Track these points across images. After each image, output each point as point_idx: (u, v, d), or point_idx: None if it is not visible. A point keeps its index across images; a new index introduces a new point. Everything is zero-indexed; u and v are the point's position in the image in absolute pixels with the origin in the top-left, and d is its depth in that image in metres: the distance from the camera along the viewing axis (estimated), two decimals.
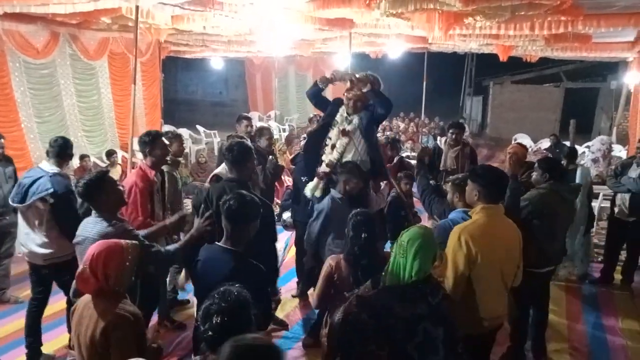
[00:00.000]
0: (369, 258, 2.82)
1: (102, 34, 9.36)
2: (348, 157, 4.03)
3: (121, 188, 3.10)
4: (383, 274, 2.32)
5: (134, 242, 2.39)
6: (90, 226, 2.84)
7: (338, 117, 4.17)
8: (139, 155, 10.33)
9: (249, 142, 3.87)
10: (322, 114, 6.75)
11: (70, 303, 3.32)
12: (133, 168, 7.85)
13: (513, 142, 14.60)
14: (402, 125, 16.07)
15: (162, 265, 3.10)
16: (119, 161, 8.69)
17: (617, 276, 5.45)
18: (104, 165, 8.67)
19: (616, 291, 5.30)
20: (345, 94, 4.15)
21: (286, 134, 14.69)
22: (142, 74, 11.25)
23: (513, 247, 2.79)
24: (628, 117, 9.92)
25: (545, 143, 12.21)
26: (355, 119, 4.10)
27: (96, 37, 9.42)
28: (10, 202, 3.75)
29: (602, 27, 5.74)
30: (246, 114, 5.69)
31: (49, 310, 3.98)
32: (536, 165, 3.92)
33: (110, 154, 8.47)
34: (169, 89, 17.83)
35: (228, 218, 2.53)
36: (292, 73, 19.18)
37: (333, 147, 4.10)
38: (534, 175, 3.90)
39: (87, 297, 2.26)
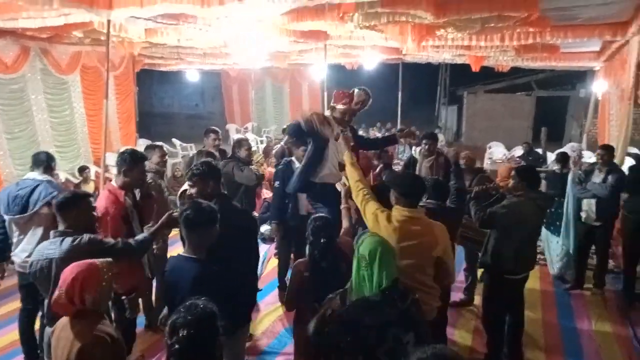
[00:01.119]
0: (327, 261, 2.97)
1: (74, 48, 9.22)
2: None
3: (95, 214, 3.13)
4: (347, 288, 2.38)
5: (107, 260, 2.37)
6: (52, 246, 2.78)
7: (328, 132, 4.18)
8: (114, 171, 10.14)
9: (213, 160, 3.96)
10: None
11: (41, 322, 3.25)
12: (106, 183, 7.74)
13: (487, 149, 14.88)
14: (379, 136, 16.22)
15: (133, 254, 3.15)
16: (92, 177, 8.53)
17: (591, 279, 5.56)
18: (76, 181, 8.49)
19: (589, 295, 5.41)
20: (337, 106, 4.18)
21: (264, 145, 14.66)
22: (115, 88, 11.11)
23: (423, 245, 2.90)
24: (597, 124, 10.22)
25: (519, 151, 12.44)
26: (348, 132, 4.24)
27: (68, 51, 9.28)
28: (5, 215, 3.75)
29: (569, 37, 5.92)
30: (214, 127, 5.63)
31: None
32: (514, 173, 4.00)
33: (82, 169, 8.31)
34: (144, 102, 17.62)
35: (186, 226, 2.61)
36: (268, 84, 19.20)
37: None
38: (511, 182, 3.98)
39: (64, 319, 2.23)
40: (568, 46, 7.68)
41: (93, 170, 8.90)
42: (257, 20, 5.85)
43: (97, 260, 2.31)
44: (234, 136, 17.46)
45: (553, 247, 5.82)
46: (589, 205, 5.30)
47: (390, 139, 4.97)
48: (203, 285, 2.41)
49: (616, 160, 6.68)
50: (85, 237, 2.82)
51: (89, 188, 7.86)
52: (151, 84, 21.35)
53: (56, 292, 2.20)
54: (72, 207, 2.90)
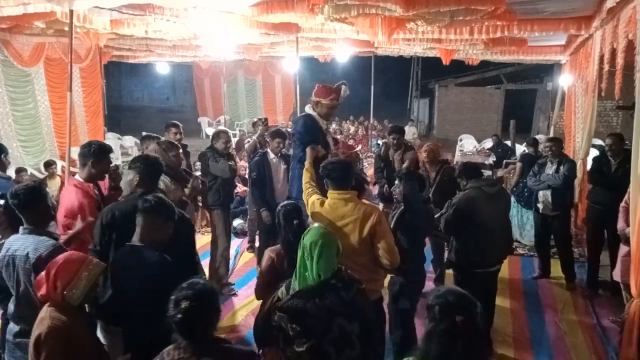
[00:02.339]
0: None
1: (36, 39, 8.91)
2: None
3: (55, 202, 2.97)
4: (293, 278, 2.44)
5: (97, 261, 2.39)
6: (18, 242, 2.68)
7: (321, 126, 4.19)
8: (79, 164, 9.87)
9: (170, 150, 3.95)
10: (261, 117, 6.86)
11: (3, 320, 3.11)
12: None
13: (459, 142, 15.11)
14: (352, 129, 16.25)
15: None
16: (59, 172, 8.29)
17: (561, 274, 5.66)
18: (41, 176, 8.24)
19: (555, 284, 5.56)
20: (323, 101, 4.14)
21: (236, 139, 14.53)
22: (82, 81, 10.82)
23: (354, 225, 3.06)
24: (563, 116, 10.46)
25: (488, 143, 12.67)
26: (330, 128, 4.25)
27: (30, 42, 8.96)
28: None
29: (536, 31, 6.01)
30: (174, 121, 5.48)
31: None
32: (457, 174, 4.13)
33: (48, 164, 8.05)
34: (113, 96, 17.24)
35: (139, 211, 2.60)
36: (241, 77, 19.01)
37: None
38: (461, 183, 4.08)
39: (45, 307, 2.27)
40: (535, 40, 7.80)
41: (59, 165, 8.65)
42: (226, 12, 5.75)
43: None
44: (207, 129, 17.29)
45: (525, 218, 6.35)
46: (544, 196, 5.45)
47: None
48: (147, 273, 2.42)
49: (581, 152, 6.90)
50: (58, 243, 2.73)
51: (55, 183, 7.64)
52: (120, 77, 20.88)
53: (43, 272, 2.27)
54: (35, 202, 2.75)
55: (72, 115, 8.90)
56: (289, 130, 7.94)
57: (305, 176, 3.54)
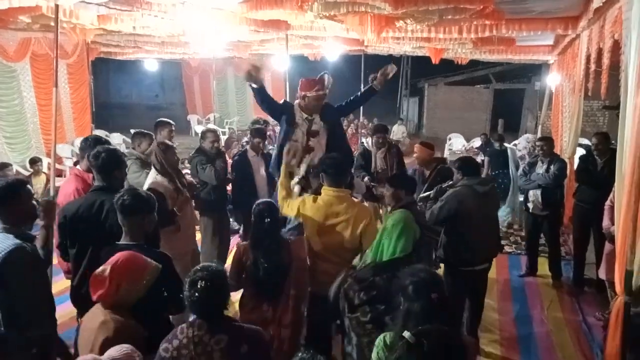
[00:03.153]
0: (270, 244, 3.10)
1: (22, 34, 8.80)
2: (315, 159, 4.03)
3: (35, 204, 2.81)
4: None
5: (157, 264, 2.38)
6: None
7: (298, 120, 4.17)
8: (68, 162, 9.80)
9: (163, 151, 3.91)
10: (264, 117, 6.77)
11: None
12: (58, 176, 7.45)
13: (448, 141, 15.17)
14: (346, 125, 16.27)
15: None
16: (45, 169, 8.19)
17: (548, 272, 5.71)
18: (27, 174, 8.13)
19: (541, 282, 5.61)
20: (309, 94, 4.11)
21: (226, 137, 14.45)
22: (68, 77, 10.69)
23: (347, 223, 3.13)
24: (551, 116, 10.55)
25: (477, 142, 12.75)
26: (317, 119, 4.17)
27: (16, 37, 8.84)
28: None
29: (524, 30, 6.05)
30: (166, 120, 5.38)
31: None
32: (454, 166, 4.11)
33: (34, 161, 7.95)
34: (101, 93, 17.04)
35: (122, 212, 2.59)
36: (230, 75, 18.91)
37: (305, 150, 4.10)
38: (455, 176, 4.06)
39: (94, 308, 2.26)
40: (523, 39, 7.86)
41: (45, 162, 8.54)
42: (215, 8, 5.71)
43: (150, 260, 2.37)
44: (196, 127, 17.19)
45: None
46: (535, 196, 5.47)
47: (369, 90, 4.60)
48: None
49: (567, 151, 6.96)
50: (28, 248, 2.53)
51: (41, 180, 7.55)
52: (108, 74, 20.67)
53: (100, 268, 2.24)
54: (12, 199, 2.56)
55: (59, 112, 8.82)
56: (277, 128, 7.90)
57: (280, 192, 3.46)
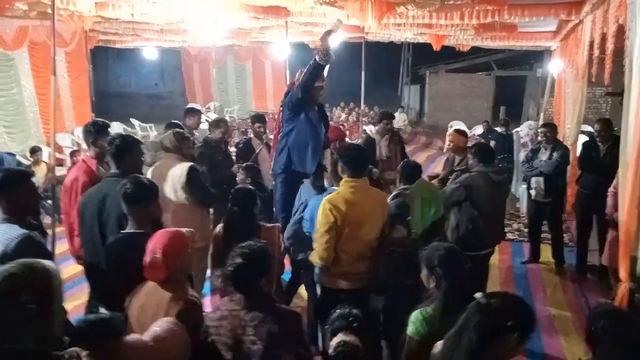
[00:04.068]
0: (242, 226, 3.17)
1: (19, 22, 8.69)
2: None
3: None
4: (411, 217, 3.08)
5: (189, 230, 2.45)
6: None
7: (311, 113, 4.16)
8: (67, 151, 9.77)
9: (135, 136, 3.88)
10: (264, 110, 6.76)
11: None
12: (59, 165, 7.42)
13: (449, 129, 15.08)
14: (343, 116, 16.18)
15: None
16: (45, 158, 8.15)
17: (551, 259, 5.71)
18: (27, 163, 8.11)
19: (544, 268, 5.61)
20: (319, 84, 4.09)
21: None
22: (67, 65, 10.62)
23: (374, 212, 3.13)
24: (553, 103, 10.49)
25: (479, 129, 12.69)
26: (315, 107, 4.24)
27: (13, 25, 8.74)
28: None
29: (526, 16, 5.99)
30: (197, 107, 5.53)
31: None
32: (469, 151, 4.08)
33: (34, 151, 7.91)
34: (99, 81, 16.89)
35: (126, 201, 2.59)
36: (230, 63, 18.78)
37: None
38: (469, 161, 4.05)
39: (147, 287, 2.30)
40: (525, 25, 7.78)
41: (46, 151, 8.51)
42: None
43: (184, 229, 2.42)
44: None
45: None
46: (537, 183, 5.45)
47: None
48: None
49: (570, 138, 6.93)
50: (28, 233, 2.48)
51: (41, 170, 7.51)
52: (107, 62, 20.51)
53: (148, 258, 2.26)
54: (10, 188, 2.53)
55: (58, 101, 8.75)
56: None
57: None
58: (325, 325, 2.11)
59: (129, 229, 2.63)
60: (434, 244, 2.38)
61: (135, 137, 3.49)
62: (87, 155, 3.67)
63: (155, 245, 2.27)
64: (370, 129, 5.71)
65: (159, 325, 2.02)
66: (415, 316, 2.22)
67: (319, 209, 3.06)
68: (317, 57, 3.94)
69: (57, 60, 5.97)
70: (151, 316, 2.21)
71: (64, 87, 10.83)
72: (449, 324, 1.95)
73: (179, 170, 3.66)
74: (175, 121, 5.09)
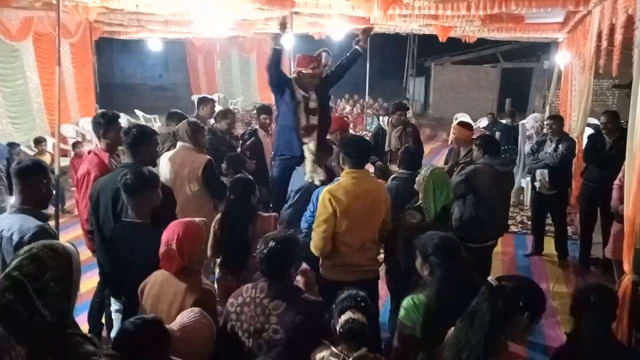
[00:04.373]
0: (238, 214, 3.21)
1: (24, 13, 8.71)
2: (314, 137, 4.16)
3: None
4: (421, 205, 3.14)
5: (203, 219, 2.50)
6: (8, 221, 2.51)
7: (297, 96, 4.20)
8: (71, 142, 9.79)
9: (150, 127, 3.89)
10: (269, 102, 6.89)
11: None
12: (63, 156, 7.45)
13: (454, 121, 15.01)
14: (347, 108, 16.12)
15: None
16: (49, 149, 8.18)
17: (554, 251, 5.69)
18: (32, 154, 8.14)
19: (547, 261, 5.60)
20: (304, 70, 4.16)
21: None
22: (72, 56, 10.63)
23: (375, 203, 3.12)
24: (559, 95, 10.41)
25: (484, 121, 12.62)
26: (313, 96, 4.23)
27: (18, 16, 8.76)
28: None
29: (533, 7, 5.92)
30: (210, 97, 5.57)
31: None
32: (474, 143, 4.07)
33: (38, 141, 7.94)
34: (104, 73, 16.92)
35: (126, 191, 2.60)
36: (235, 55, 18.75)
37: (309, 128, 4.22)
38: (474, 152, 4.05)
39: (161, 277, 2.34)
40: (533, 17, 7.71)
41: (50, 142, 8.54)
42: None
43: (199, 219, 2.46)
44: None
45: None
46: (542, 175, 5.41)
47: (354, 52, 4.59)
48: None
49: (576, 130, 6.88)
50: (42, 225, 2.52)
51: (46, 160, 7.54)
52: (112, 54, 20.51)
53: (162, 248, 2.30)
54: (36, 175, 2.58)
55: (63, 92, 8.78)
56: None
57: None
58: (333, 304, 2.14)
59: (129, 218, 2.67)
60: (429, 233, 2.42)
61: (152, 128, 3.48)
62: (97, 148, 3.57)
63: (170, 236, 2.29)
64: (384, 120, 5.66)
65: (186, 316, 2.06)
66: (407, 302, 2.26)
67: (319, 199, 3.08)
68: (272, 43, 4.34)
69: (62, 52, 5.98)
70: (167, 305, 2.25)
71: (69, 78, 10.86)
72: (442, 313, 2.03)
73: (197, 162, 3.70)
74: (176, 110, 5.02)
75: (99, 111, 3.73)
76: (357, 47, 4.43)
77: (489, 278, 1.89)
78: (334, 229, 2.99)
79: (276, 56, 4.21)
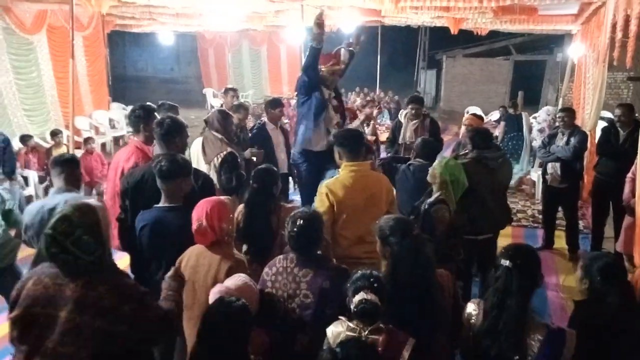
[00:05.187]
0: (261, 205, 3.25)
1: (38, 6, 8.79)
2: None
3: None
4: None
5: (228, 197, 2.74)
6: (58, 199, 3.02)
7: (326, 95, 4.25)
8: (85, 134, 9.89)
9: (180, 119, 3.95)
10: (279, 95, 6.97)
11: None
12: (77, 148, 7.54)
13: (465, 114, 14.91)
14: (359, 101, 16.07)
15: None
16: (65, 141, 8.30)
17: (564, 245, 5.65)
18: (47, 146, 8.26)
19: (557, 255, 5.57)
20: (323, 68, 4.22)
21: None
22: (84, 49, 10.72)
23: (374, 197, 3.15)
24: (573, 88, 10.30)
25: (495, 115, 12.54)
26: (331, 94, 4.34)
27: (32, 9, 8.85)
28: None
29: None
30: (233, 87, 5.72)
31: None
32: (467, 136, 4.04)
33: (55, 133, 8.06)
34: (116, 66, 17.06)
35: (161, 177, 2.74)
36: (245, 48, 18.77)
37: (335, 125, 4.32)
38: (468, 146, 4.00)
39: (196, 250, 2.57)
40: (546, 8, 7.62)
41: (65, 134, 8.65)
42: None
43: (224, 197, 2.71)
44: (212, 101, 17.19)
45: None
46: (553, 168, 5.35)
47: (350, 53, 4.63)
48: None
49: (589, 124, 6.80)
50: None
51: (62, 152, 7.66)
52: (124, 47, 20.63)
53: (195, 225, 2.51)
54: (76, 164, 3.27)
55: (76, 85, 8.86)
56: (292, 102, 7.93)
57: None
58: (347, 284, 2.23)
59: (161, 204, 2.79)
60: (384, 217, 2.58)
61: (182, 120, 3.53)
62: (137, 141, 3.60)
63: (200, 214, 2.51)
64: (402, 113, 5.65)
65: (236, 279, 2.31)
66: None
67: (317, 193, 3.16)
68: (312, 43, 4.17)
69: (75, 45, 6.03)
70: (203, 275, 2.50)
71: (82, 71, 10.96)
72: (395, 288, 2.20)
73: (220, 154, 3.89)
74: (164, 102, 4.97)
75: (138, 104, 3.74)
76: (350, 49, 4.39)
77: (502, 262, 2.07)
78: (331, 222, 3.04)
79: (316, 56, 4.20)
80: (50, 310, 1.82)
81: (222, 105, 5.77)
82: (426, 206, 3.33)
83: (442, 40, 17.80)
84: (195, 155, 4.09)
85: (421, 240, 2.39)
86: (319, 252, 2.55)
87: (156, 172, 2.74)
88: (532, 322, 2.08)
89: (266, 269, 2.53)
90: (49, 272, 1.88)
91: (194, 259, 2.58)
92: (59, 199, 3.02)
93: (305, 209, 2.55)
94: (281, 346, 2.39)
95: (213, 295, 2.23)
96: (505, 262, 2.04)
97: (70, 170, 3.20)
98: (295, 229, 2.42)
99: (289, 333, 2.39)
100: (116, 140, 11.29)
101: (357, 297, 2.09)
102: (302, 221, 2.42)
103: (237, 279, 2.33)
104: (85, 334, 1.79)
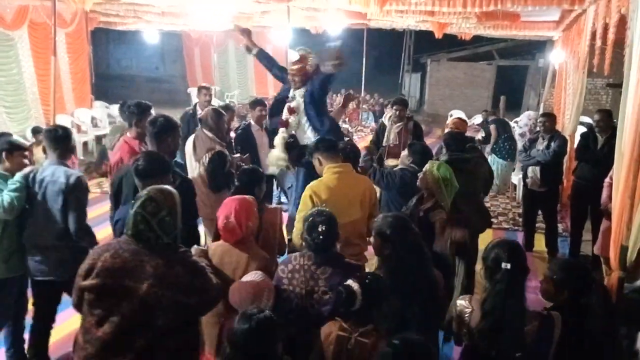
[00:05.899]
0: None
1: (19, 1, 8.65)
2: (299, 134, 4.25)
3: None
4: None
5: (251, 197, 2.78)
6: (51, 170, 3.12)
7: (290, 93, 4.26)
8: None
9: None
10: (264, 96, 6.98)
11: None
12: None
13: (449, 118, 15.06)
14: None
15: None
16: None
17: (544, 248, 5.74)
18: (27, 143, 8.10)
19: (537, 258, 5.65)
20: (288, 68, 4.21)
21: None
22: (67, 46, 10.56)
23: (358, 198, 3.19)
24: (554, 93, 10.48)
25: (478, 118, 12.67)
26: (297, 95, 4.23)
27: (13, 5, 8.70)
28: None
29: (529, 4, 5.95)
30: (206, 84, 5.74)
31: None
32: (443, 140, 4.08)
33: (36, 131, 7.89)
34: (100, 63, 16.85)
35: (137, 175, 2.74)
36: (231, 48, 18.67)
37: (283, 123, 4.31)
38: (443, 150, 4.03)
39: (220, 248, 2.62)
40: (528, 15, 7.75)
41: None
42: None
43: (249, 197, 2.76)
44: (196, 100, 17.04)
45: (501, 168, 7.54)
46: (534, 172, 5.45)
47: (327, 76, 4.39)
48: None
49: (569, 128, 6.94)
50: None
51: (42, 150, 7.53)
52: (108, 44, 20.40)
53: (221, 221, 2.59)
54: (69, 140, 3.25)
55: (58, 82, 8.73)
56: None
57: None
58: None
59: None
60: (381, 215, 2.63)
61: (175, 120, 3.56)
62: (128, 136, 3.74)
63: (228, 211, 2.57)
64: (386, 116, 5.65)
65: (252, 275, 2.42)
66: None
67: (302, 195, 3.18)
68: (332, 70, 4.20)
69: (57, 41, 5.96)
70: (231, 272, 2.56)
71: (64, 68, 10.79)
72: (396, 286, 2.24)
73: (209, 152, 3.93)
74: (129, 100, 4.96)
75: (133, 101, 3.89)
76: (328, 70, 4.18)
77: (503, 264, 2.17)
78: None
79: (264, 60, 4.59)
80: (129, 282, 1.98)
81: (195, 105, 5.77)
82: (421, 213, 3.32)
83: (427, 44, 17.94)
84: (189, 152, 4.15)
85: (421, 237, 2.43)
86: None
87: (133, 170, 2.75)
88: (528, 313, 2.21)
89: (281, 266, 2.58)
90: (129, 248, 2.04)
91: (218, 257, 2.61)
92: (49, 172, 3.12)
93: (321, 210, 2.60)
94: (298, 341, 2.44)
95: (232, 292, 2.37)
96: (507, 266, 2.13)
97: (65, 146, 3.24)
98: (320, 236, 2.46)
99: (306, 328, 2.43)
100: (98, 139, 11.15)
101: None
102: (324, 227, 2.46)
103: (254, 275, 2.41)
104: (165, 305, 1.99)
